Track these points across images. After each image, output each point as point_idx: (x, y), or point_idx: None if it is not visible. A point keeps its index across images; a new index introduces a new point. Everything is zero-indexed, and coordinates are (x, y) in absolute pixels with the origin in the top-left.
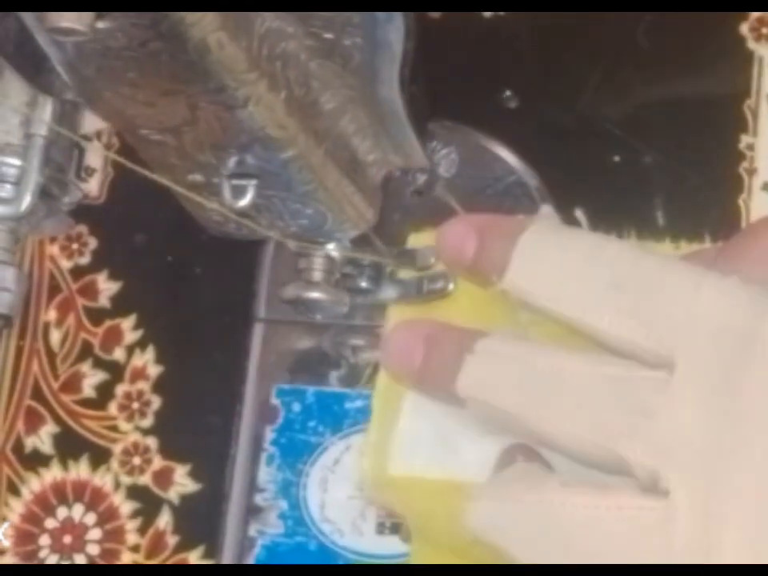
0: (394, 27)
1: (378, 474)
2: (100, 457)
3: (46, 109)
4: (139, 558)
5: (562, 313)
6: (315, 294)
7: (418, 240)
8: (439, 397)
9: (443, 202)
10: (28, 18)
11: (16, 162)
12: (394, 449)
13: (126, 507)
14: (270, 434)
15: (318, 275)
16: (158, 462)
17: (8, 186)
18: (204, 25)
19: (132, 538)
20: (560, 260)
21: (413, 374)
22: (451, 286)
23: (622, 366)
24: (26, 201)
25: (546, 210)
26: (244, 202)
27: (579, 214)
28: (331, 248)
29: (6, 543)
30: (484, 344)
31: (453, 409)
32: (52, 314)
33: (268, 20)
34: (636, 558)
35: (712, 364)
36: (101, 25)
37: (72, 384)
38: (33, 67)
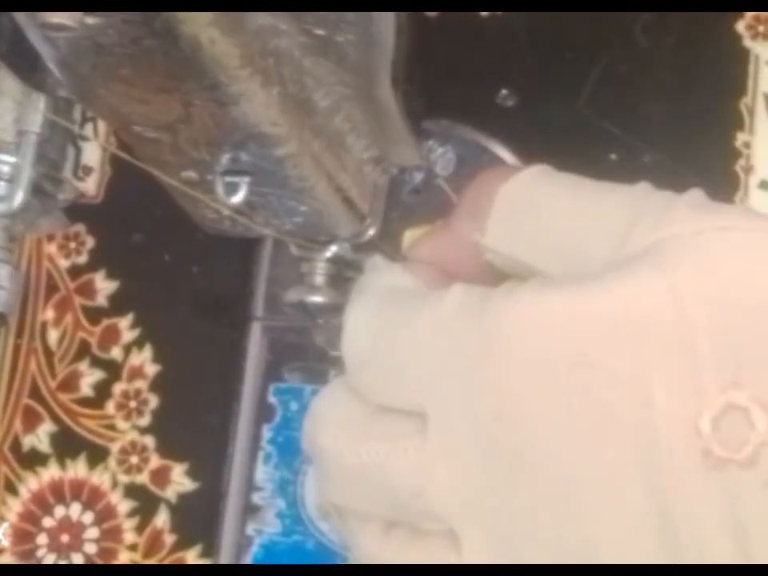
0: (387, 24)
1: None
2: (97, 456)
3: (40, 106)
4: (137, 557)
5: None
6: (317, 298)
7: (414, 237)
8: None
9: (441, 200)
10: (19, 14)
11: (9, 158)
12: None
13: (123, 506)
14: (267, 433)
15: (320, 279)
16: (155, 461)
17: (1, 183)
18: (196, 21)
19: (129, 536)
20: (526, 221)
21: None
22: None
23: (387, 440)
24: (19, 197)
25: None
26: (237, 198)
27: None
28: (333, 251)
29: (5, 542)
30: None
31: None
32: (50, 313)
33: (261, 17)
34: None
35: (450, 400)
36: (91, 20)
37: (70, 383)
38: (26, 65)
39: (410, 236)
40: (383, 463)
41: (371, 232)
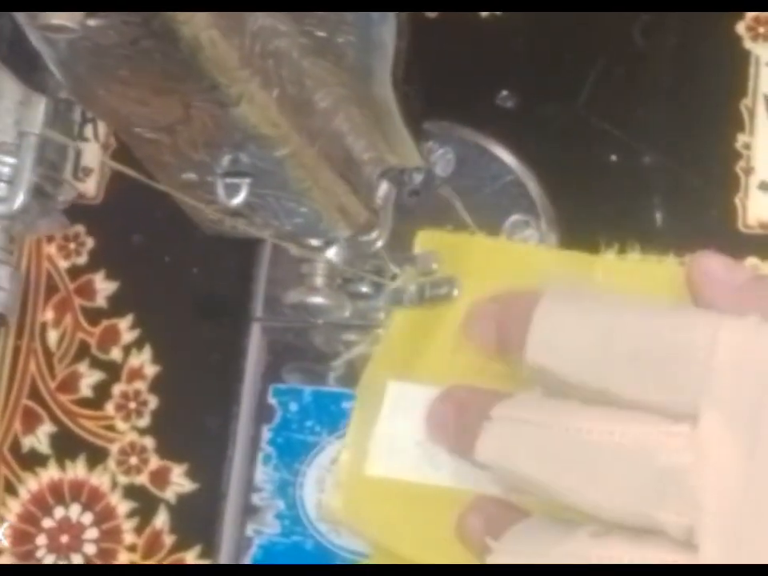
0: (387, 26)
1: (354, 473)
2: (97, 456)
3: (40, 107)
4: (136, 558)
5: (584, 387)
6: (317, 299)
7: (426, 239)
8: (472, 462)
9: (440, 201)
10: (19, 15)
11: (9, 160)
12: (371, 449)
13: (122, 507)
14: (266, 434)
15: (319, 280)
16: (154, 462)
17: (1, 185)
18: (196, 22)
19: (129, 537)
20: (573, 339)
21: (449, 443)
22: (456, 292)
23: (644, 423)
24: (19, 199)
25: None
26: (238, 200)
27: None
28: (333, 253)
29: (4, 543)
30: (500, 410)
31: None
32: (49, 314)
33: (260, 18)
34: None
35: (735, 410)
36: (91, 22)
37: (69, 384)
38: (26, 66)
39: (423, 237)
40: (647, 442)
41: (379, 244)
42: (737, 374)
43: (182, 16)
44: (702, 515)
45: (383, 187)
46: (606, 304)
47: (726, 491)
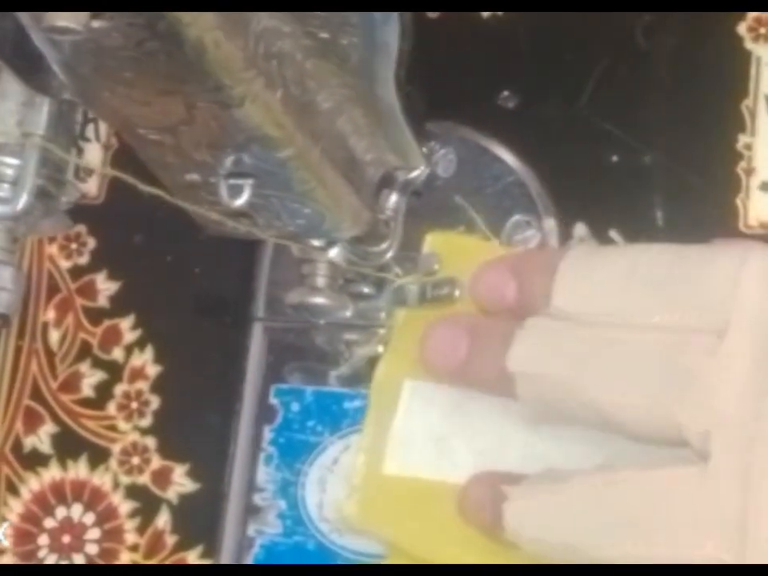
0: (391, 27)
1: (372, 472)
2: (99, 456)
3: (43, 109)
4: (138, 558)
5: (614, 323)
6: (319, 300)
7: (436, 241)
8: (484, 388)
9: (442, 202)
10: (24, 16)
11: (13, 161)
12: (389, 448)
13: (124, 507)
14: (268, 434)
15: (321, 281)
16: (156, 462)
17: (5, 186)
18: (200, 24)
19: (131, 537)
20: (601, 279)
21: (456, 367)
22: (458, 292)
23: (676, 334)
24: (23, 200)
25: (580, 228)
26: (240, 201)
27: (614, 234)
28: (335, 253)
29: (6, 543)
30: (534, 321)
31: (450, 410)
32: (51, 314)
33: (264, 19)
34: (674, 515)
35: (757, 336)
36: (96, 24)
37: (71, 384)
38: (29, 67)
39: (431, 238)
40: (673, 344)
41: (389, 255)
42: (763, 295)
43: (186, 18)
44: (717, 419)
45: (393, 199)
46: (628, 250)
47: (743, 401)
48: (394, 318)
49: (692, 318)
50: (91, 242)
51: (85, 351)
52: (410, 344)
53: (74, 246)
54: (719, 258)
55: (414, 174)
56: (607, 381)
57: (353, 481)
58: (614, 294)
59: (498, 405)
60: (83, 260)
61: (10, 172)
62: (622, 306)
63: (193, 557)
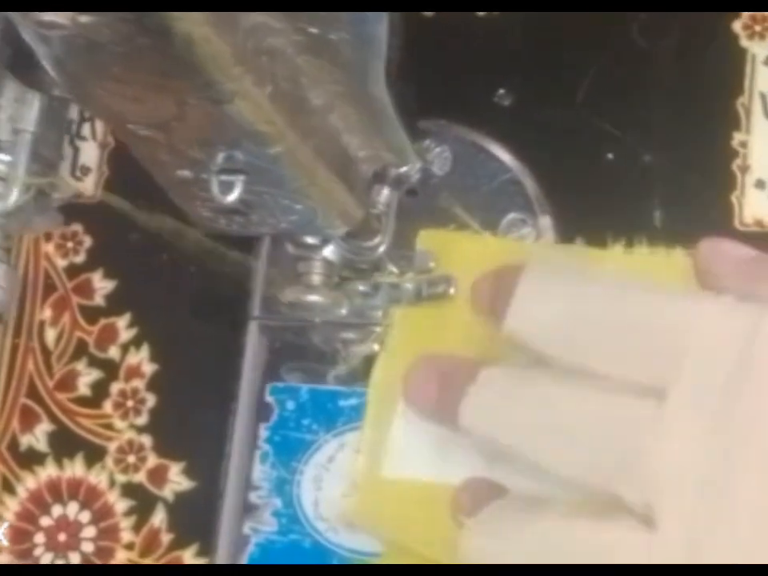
0: (380, 23)
1: (370, 474)
2: (95, 455)
3: (34, 105)
4: (134, 556)
5: (560, 359)
6: (314, 298)
7: (431, 239)
8: (452, 429)
9: (438, 200)
10: (13, 12)
11: (4, 157)
12: (388, 451)
13: (120, 505)
14: (264, 432)
15: (316, 279)
16: (152, 460)
17: None
18: (189, 19)
19: (126, 535)
20: (552, 307)
21: (430, 409)
22: (453, 290)
23: (617, 398)
24: (14, 196)
25: (544, 221)
26: (232, 197)
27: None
28: (329, 251)
29: (3, 542)
30: (487, 373)
31: None
32: (47, 313)
33: (254, 15)
34: None
35: (704, 389)
36: (84, 19)
37: (67, 382)
38: (21, 63)
39: (424, 236)
40: (614, 417)
41: (381, 249)
42: (711, 350)
43: (176, 13)
44: (660, 495)
45: (385, 193)
46: (587, 278)
47: (686, 470)
48: (389, 316)
49: (632, 371)
50: (87, 241)
51: (81, 350)
52: (407, 344)
53: (70, 244)
54: (668, 310)
55: (406, 168)
56: (549, 448)
57: (352, 481)
58: (560, 329)
59: None
60: (79, 258)
61: (1, 168)
62: (567, 343)
63: (188, 555)
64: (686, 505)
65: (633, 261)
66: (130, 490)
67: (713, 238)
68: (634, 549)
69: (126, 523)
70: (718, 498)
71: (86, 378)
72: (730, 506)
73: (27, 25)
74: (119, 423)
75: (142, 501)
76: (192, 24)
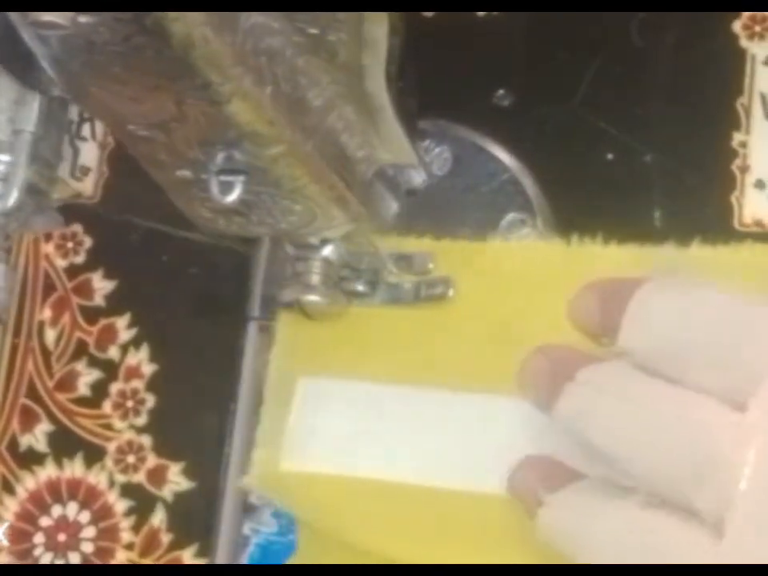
0: (379, 23)
1: (269, 467)
2: (94, 455)
3: (34, 105)
4: (133, 556)
5: (666, 372)
6: (312, 298)
7: (430, 240)
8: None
9: (437, 201)
10: (12, 13)
11: (4, 157)
12: (285, 443)
13: (120, 505)
14: None
15: (315, 278)
16: (152, 460)
17: None
18: (188, 20)
19: (126, 535)
20: (662, 323)
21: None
22: (451, 292)
23: (704, 408)
24: (14, 196)
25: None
26: (231, 197)
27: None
28: (328, 251)
29: (3, 542)
30: (585, 373)
31: (358, 407)
32: (47, 313)
33: (253, 15)
34: None
35: None
36: (83, 19)
37: (67, 382)
38: (19, 64)
39: (426, 239)
40: (701, 428)
41: (383, 251)
42: None
43: (173, 13)
44: (731, 510)
45: (385, 195)
46: (697, 291)
47: (760, 485)
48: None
49: (723, 384)
50: (87, 241)
51: (81, 350)
52: (299, 341)
53: (70, 244)
54: (763, 321)
55: (411, 174)
56: (638, 458)
57: (250, 474)
58: (669, 343)
59: (413, 403)
60: (79, 259)
61: (0, 168)
62: (672, 356)
63: (188, 555)
64: (756, 522)
65: (718, 259)
66: (129, 490)
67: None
68: (700, 553)
69: (125, 523)
70: None
71: (86, 378)
72: None
73: (25, 24)
74: (119, 423)
75: (142, 501)
76: (191, 24)
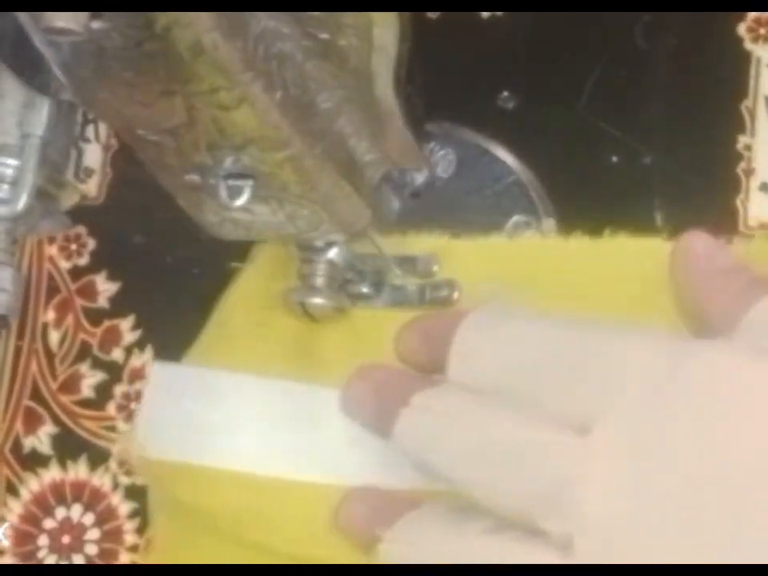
0: (389, 29)
1: (137, 454)
2: (98, 457)
3: (43, 110)
4: (137, 558)
5: (503, 399)
6: (317, 300)
7: (435, 243)
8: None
9: (441, 203)
10: (23, 17)
11: (13, 162)
12: (140, 432)
13: (124, 507)
14: None
15: (320, 281)
16: None
17: (5, 187)
18: (198, 25)
19: (130, 538)
20: (487, 357)
21: (365, 421)
22: (456, 295)
23: (549, 431)
24: (23, 201)
25: (548, 223)
26: (240, 202)
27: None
28: (333, 254)
29: (6, 543)
30: (420, 398)
31: (216, 395)
32: (51, 315)
33: (263, 20)
34: None
35: (628, 423)
36: (96, 25)
37: (71, 384)
38: (29, 68)
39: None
40: (542, 450)
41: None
42: (637, 383)
43: (184, 19)
44: (579, 530)
45: (392, 198)
46: (527, 318)
47: (606, 506)
48: None
49: (570, 410)
50: (91, 243)
51: (85, 352)
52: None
53: (73, 246)
54: (604, 347)
55: (416, 176)
56: (480, 480)
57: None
58: (499, 369)
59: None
60: (83, 261)
61: (9, 173)
62: (505, 381)
63: None
64: (605, 540)
65: (602, 249)
66: (133, 493)
67: (698, 233)
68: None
69: (129, 526)
70: (634, 534)
71: (90, 380)
72: (647, 538)
73: (38, 30)
74: (123, 425)
75: (146, 503)
76: (201, 30)
